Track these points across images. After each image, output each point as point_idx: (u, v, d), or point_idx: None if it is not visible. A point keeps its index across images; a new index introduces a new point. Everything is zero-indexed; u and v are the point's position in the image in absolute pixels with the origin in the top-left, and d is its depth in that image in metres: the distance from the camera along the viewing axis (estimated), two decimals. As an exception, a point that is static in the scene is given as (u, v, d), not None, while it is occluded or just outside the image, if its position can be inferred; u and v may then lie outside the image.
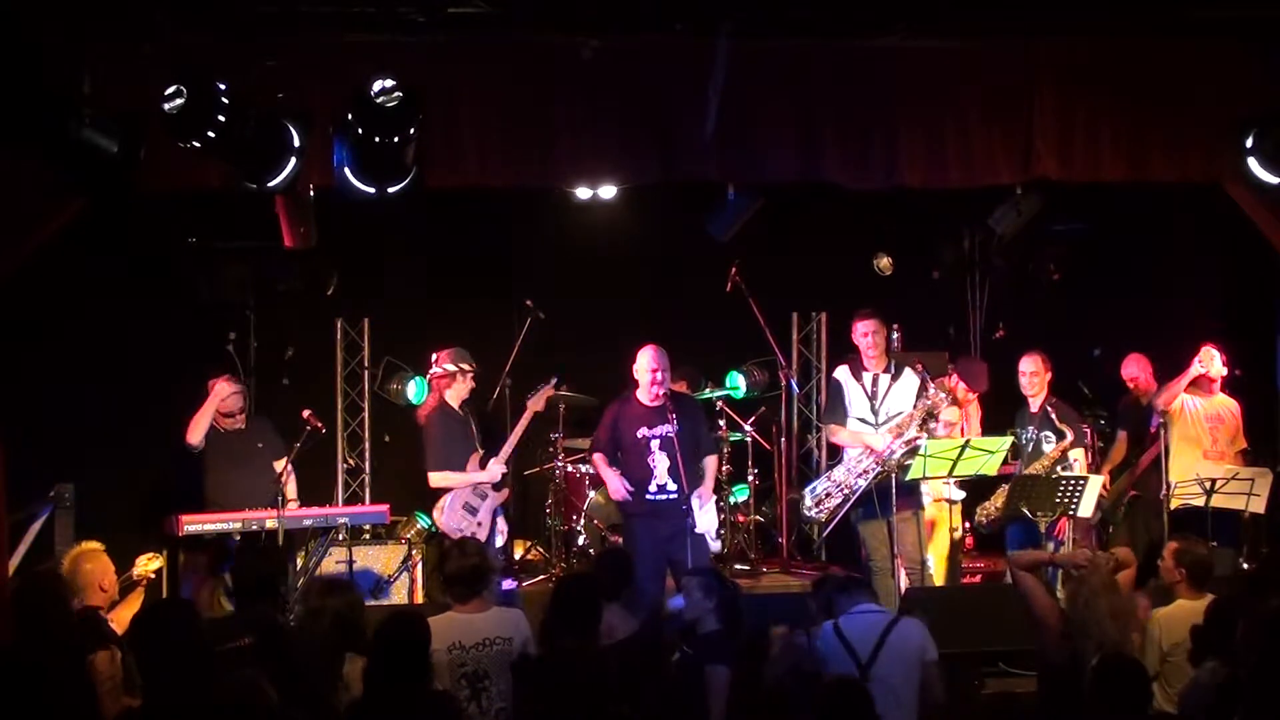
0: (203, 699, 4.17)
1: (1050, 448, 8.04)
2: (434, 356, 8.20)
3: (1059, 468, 7.93)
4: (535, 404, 8.25)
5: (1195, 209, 8.82)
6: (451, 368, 8.04)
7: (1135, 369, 8.83)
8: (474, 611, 5.52)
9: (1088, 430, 8.72)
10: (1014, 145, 7.35)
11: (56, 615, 5.43)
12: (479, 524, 7.83)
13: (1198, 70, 7.26)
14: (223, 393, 8.00)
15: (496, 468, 7.98)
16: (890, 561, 7.73)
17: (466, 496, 7.91)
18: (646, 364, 7.59)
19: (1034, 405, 8.24)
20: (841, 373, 8.12)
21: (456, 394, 8.06)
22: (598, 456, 7.85)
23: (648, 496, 7.58)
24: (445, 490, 7.88)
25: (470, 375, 8.07)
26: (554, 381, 8.40)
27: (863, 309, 8.04)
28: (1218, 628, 5.26)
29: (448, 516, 7.82)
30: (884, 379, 7.96)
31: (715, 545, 8.09)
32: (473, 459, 8.02)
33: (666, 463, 7.50)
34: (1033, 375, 8.28)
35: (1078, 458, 8.12)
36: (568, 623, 5.44)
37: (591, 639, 5.41)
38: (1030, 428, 8.10)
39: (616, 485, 7.64)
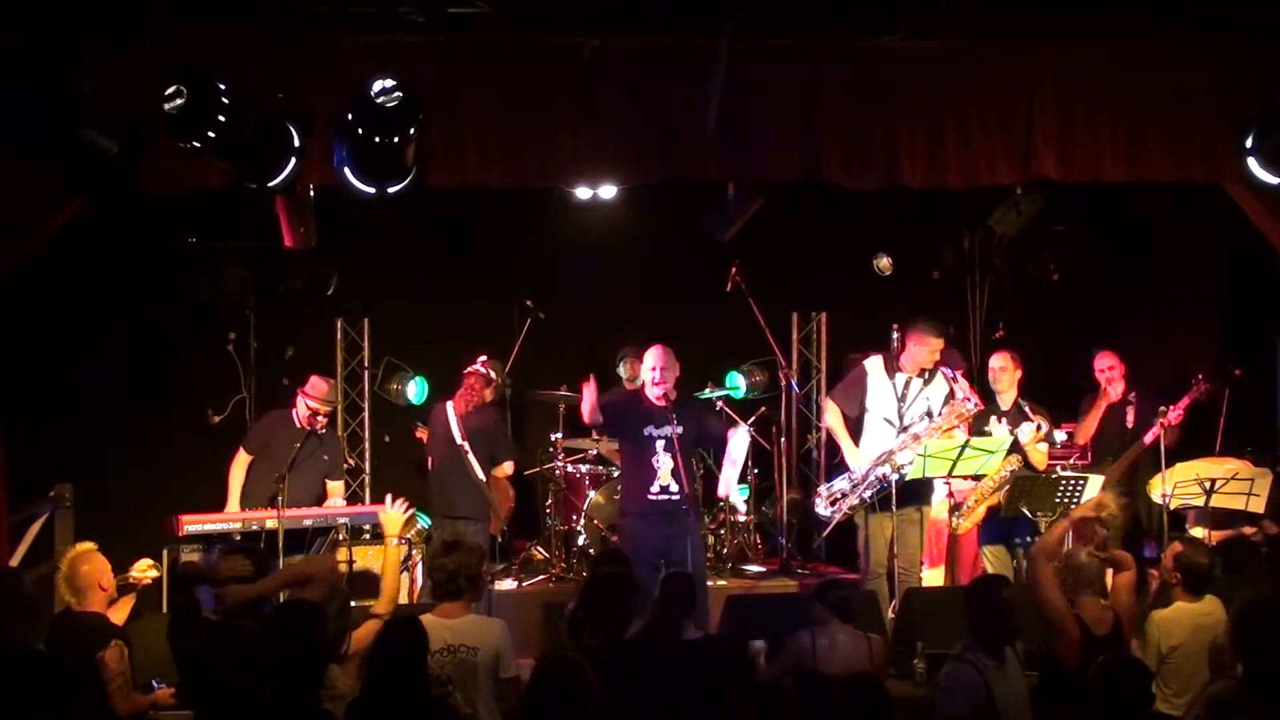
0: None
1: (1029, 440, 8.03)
2: (483, 357, 8.50)
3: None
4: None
5: (1195, 209, 8.82)
6: (495, 376, 8.48)
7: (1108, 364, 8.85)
8: (449, 616, 5.47)
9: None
10: (1014, 145, 7.34)
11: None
12: None
13: (1198, 70, 7.25)
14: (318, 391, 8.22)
15: None
16: (890, 562, 7.77)
17: None
18: (649, 363, 7.62)
19: (1005, 403, 8.24)
20: (874, 365, 8.07)
21: (487, 397, 8.45)
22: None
23: (649, 496, 7.58)
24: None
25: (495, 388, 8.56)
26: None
27: (935, 323, 7.96)
28: None
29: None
30: (916, 383, 7.96)
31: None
32: None
33: (670, 464, 7.50)
34: (1001, 371, 8.29)
35: (1043, 451, 8.15)
36: (598, 621, 5.43)
37: (620, 637, 5.43)
38: (1004, 425, 8.09)
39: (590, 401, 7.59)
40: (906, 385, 7.97)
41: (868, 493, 7.80)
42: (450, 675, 5.33)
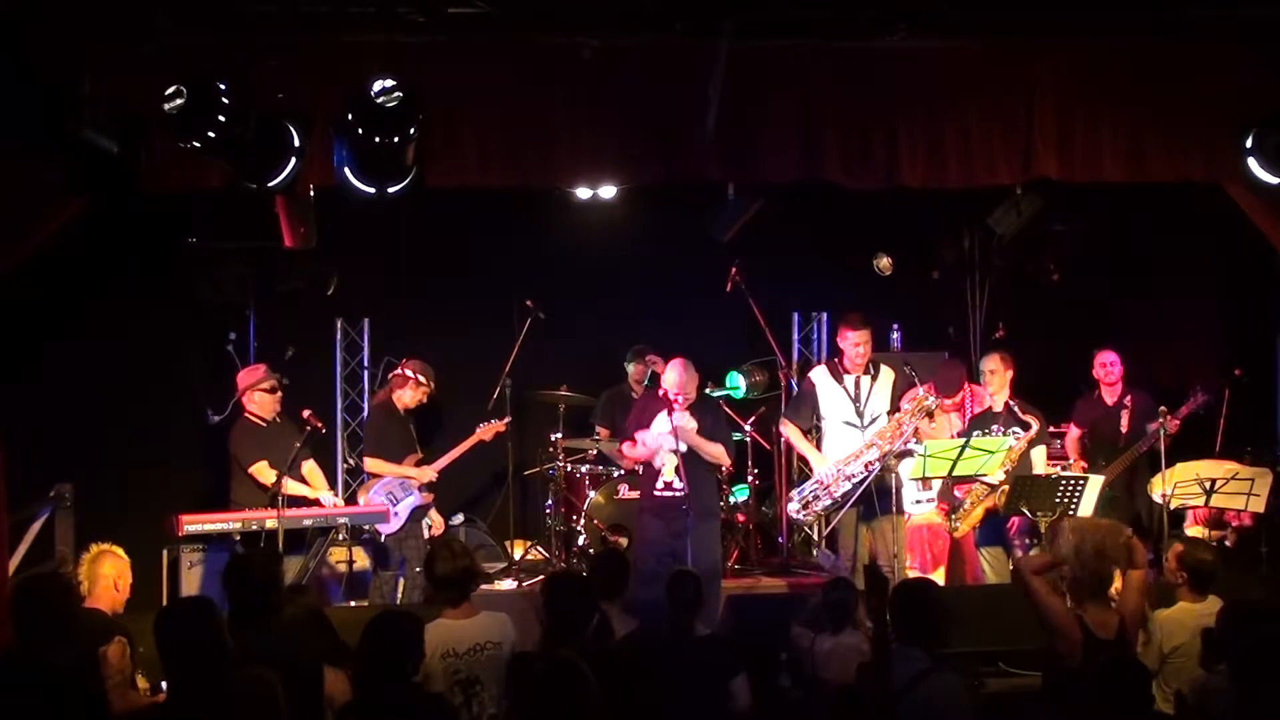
0: (222, 696, 4.21)
1: (1019, 443, 8.02)
2: (404, 359, 8.65)
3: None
4: (483, 433, 8.77)
5: (1195, 209, 8.82)
6: (410, 374, 8.50)
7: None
8: (464, 616, 5.50)
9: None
10: (1014, 145, 7.34)
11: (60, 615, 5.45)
12: (395, 514, 8.30)
13: (1198, 70, 7.25)
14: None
15: (429, 471, 8.45)
16: (871, 563, 7.79)
17: (391, 486, 8.35)
18: (671, 380, 7.64)
19: (997, 404, 8.24)
20: (819, 375, 8.17)
21: (403, 398, 8.52)
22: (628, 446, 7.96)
23: (655, 492, 7.69)
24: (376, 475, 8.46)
25: (424, 390, 8.52)
26: (507, 420, 8.88)
27: (853, 316, 8.04)
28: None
29: (371, 495, 8.35)
30: (865, 380, 8.03)
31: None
32: (409, 458, 8.46)
33: (675, 461, 7.54)
34: (991, 374, 8.27)
35: (1039, 459, 8.14)
36: (561, 623, 5.39)
37: (585, 636, 5.39)
38: (995, 426, 8.09)
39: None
40: (857, 385, 8.02)
41: (839, 493, 7.84)
42: (478, 675, 5.35)
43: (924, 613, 5.16)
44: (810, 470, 8.19)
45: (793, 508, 8.06)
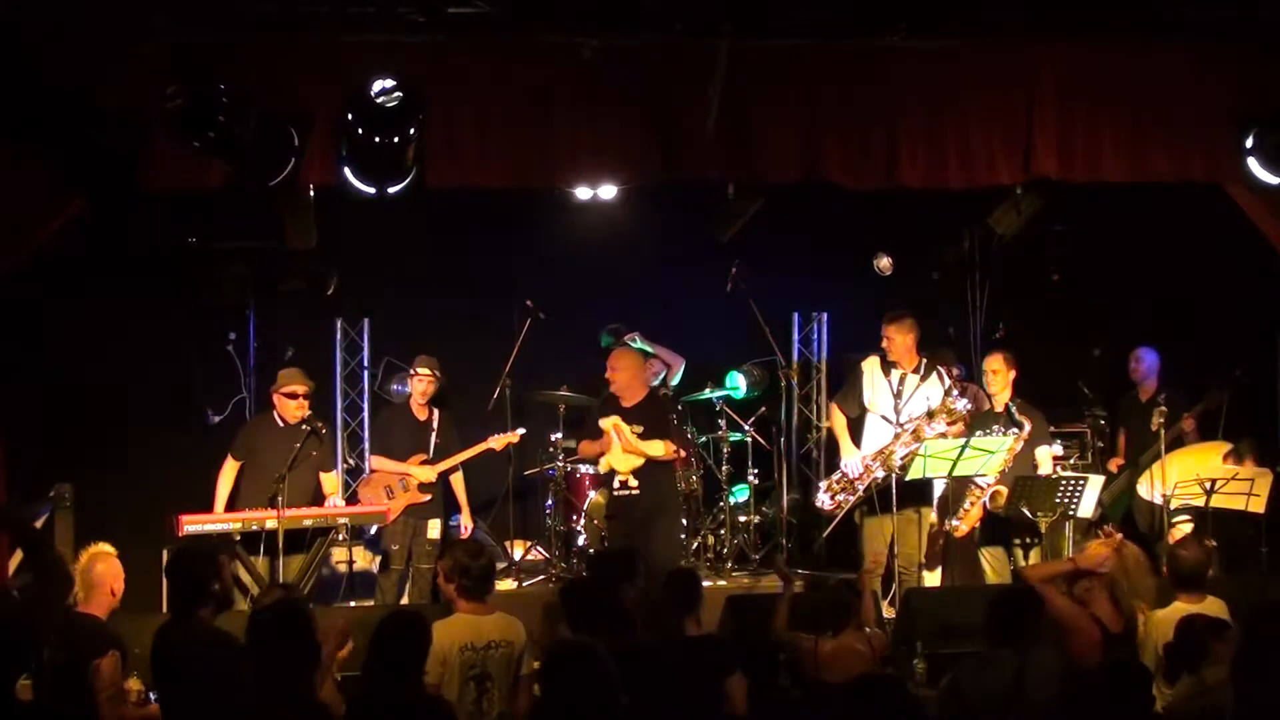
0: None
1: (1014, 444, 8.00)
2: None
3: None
4: (493, 441, 8.71)
5: (1195, 209, 8.82)
6: (411, 371, 8.54)
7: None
8: (483, 613, 5.54)
9: (1088, 430, 8.76)
10: (1014, 145, 7.36)
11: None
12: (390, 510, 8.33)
13: (1198, 70, 7.26)
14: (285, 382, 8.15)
15: (429, 471, 8.38)
16: (888, 561, 7.76)
17: (389, 481, 8.35)
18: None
19: (997, 404, 8.22)
20: (870, 364, 8.07)
21: (414, 397, 8.52)
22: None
23: (614, 492, 7.84)
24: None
25: (426, 379, 8.44)
26: (520, 432, 8.85)
27: (892, 311, 8.00)
28: (1189, 644, 5.27)
29: (369, 489, 8.39)
30: (911, 379, 7.92)
31: None
32: (415, 457, 8.41)
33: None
34: (994, 374, 8.23)
35: (1044, 458, 8.12)
36: (589, 621, 5.41)
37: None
38: (996, 427, 8.06)
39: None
40: (902, 381, 7.93)
41: (862, 488, 7.80)
42: (490, 671, 5.39)
43: (1017, 617, 5.23)
44: (812, 465, 8.19)
45: (822, 498, 8.03)
